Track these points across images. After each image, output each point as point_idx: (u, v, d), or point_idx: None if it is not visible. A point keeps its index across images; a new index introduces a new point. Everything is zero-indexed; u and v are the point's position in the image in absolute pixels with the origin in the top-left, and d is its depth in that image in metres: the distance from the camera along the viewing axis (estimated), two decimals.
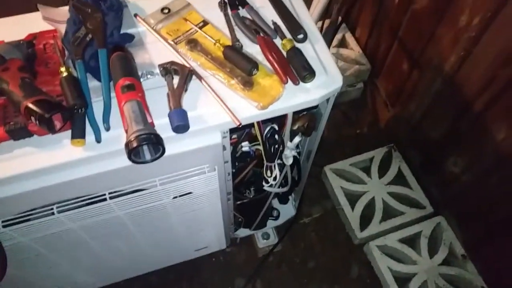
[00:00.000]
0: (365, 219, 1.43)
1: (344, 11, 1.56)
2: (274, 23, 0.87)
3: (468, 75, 1.16)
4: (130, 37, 0.83)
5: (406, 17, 1.37)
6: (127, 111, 0.67)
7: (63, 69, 0.73)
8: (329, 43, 1.69)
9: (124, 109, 0.68)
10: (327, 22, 1.66)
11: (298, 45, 0.84)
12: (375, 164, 1.53)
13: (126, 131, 0.67)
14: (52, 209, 0.75)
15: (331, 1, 1.40)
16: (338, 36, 1.74)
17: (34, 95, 0.67)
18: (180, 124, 0.69)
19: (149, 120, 0.68)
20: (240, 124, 0.74)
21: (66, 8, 0.84)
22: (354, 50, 1.72)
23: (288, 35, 0.85)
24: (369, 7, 1.58)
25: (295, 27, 0.86)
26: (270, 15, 0.89)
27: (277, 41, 0.84)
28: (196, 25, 0.86)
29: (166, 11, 0.88)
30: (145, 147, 0.67)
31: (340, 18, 1.57)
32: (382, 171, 1.52)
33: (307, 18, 0.89)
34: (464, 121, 1.23)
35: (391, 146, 1.57)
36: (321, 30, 1.66)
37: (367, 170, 1.53)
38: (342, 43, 1.76)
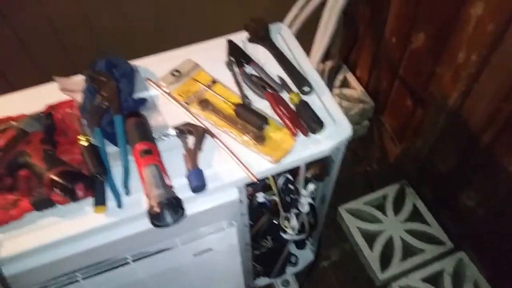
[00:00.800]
0: (385, 259, 1.41)
1: (344, 53, 1.62)
2: (280, 78, 0.91)
3: (472, 110, 1.18)
4: (143, 101, 0.87)
5: (404, 56, 1.41)
6: (146, 176, 0.69)
7: (82, 138, 0.76)
8: (331, 85, 1.74)
9: (143, 174, 0.70)
10: (328, 63, 1.72)
11: (304, 97, 0.87)
12: (389, 201, 1.53)
13: (147, 195, 0.69)
14: (76, 276, 0.75)
15: (331, 44, 1.46)
16: (340, 77, 1.79)
17: (57, 166, 0.70)
18: (199, 185, 0.71)
19: (168, 183, 0.70)
20: (257, 180, 0.75)
21: (81, 77, 0.88)
22: (356, 89, 1.76)
23: (295, 89, 0.89)
24: (368, 47, 1.64)
25: (301, 80, 0.89)
26: (275, 70, 0.93)
27: (284, 95, 0.88)
28: (205, 85, 0.90)
29: (176, 73, 0.92)
30: (166, 211, 0.68)
31: (340, 60, 1.63)
32: (397, 208, 1.51)
33: (311, 70, 0.93)
34: (473, 155, 1.23)
35: (403, 182, 1.57)
36: (322, 72, 1.72)
37: (381, 208, 1.52)
38: (344, 83, 1.81)
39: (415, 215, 1.50)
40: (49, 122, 0.81)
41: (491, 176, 1.20)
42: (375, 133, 1.77)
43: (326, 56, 1.54)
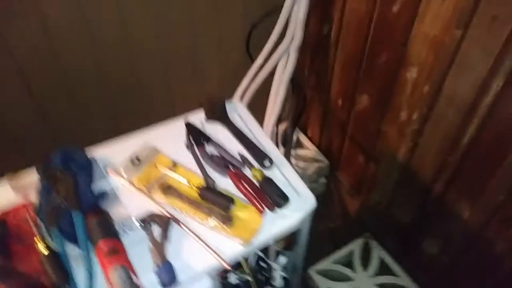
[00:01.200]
0: None
1: (295, 115, 1.68)
2: (241, 155, 0.93)
3: (421, 162, 1.26)
4: (104, 195, 0.84)
5: (351, 117, 1.49)
6: (114, 280, 0.66)
7: (39, 242, 0.71)
8: (290, 145, 1.79)
9: (110, 277, 0.66)
10: (281, 126, 1.77)
11: (266, 171, 0.89)
12: (356, 257, 1.54)
13: None
14: None
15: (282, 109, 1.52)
16: (293, 138, 1.85)
17: (11, 282, 0.64)
18: (169, 280, 0.68)
19: (137, 283, 0.67)
20: (230, 267, 0.74)
21: (35, 174, 0.85)
22: (310, 149, 1.82)
23: (256, 164, 0.91)
24: (316, 110, 1.72)
25: (261, 156, 0.91)
26: (235, 147, 0.95)
27: (247, 171, 0.89)
28: (166, 169, 0.89)
29: (135, 160, 0.91)
30: None
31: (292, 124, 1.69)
32: (365, 262, 1.52)
33: (269, 145, 0.96)
34: (429, 204, 1.29)
35: (367, 235, 1.60)
36: (276, 134, 1.77)
37: (350, 265, 1.53)
38: (298, 144, 1.86)
39: (383, 268, 1.52)
40: (2, 232, 0.75)
41: (448, 223, 1.26)
42: (333, 190, 1.82)
43: (278, 119, 1.60)
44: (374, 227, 1.61)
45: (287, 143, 1.63)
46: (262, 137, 0.98)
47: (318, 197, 1.86)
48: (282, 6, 1.24)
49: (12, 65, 1.06)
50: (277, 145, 1.65)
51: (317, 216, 1.77)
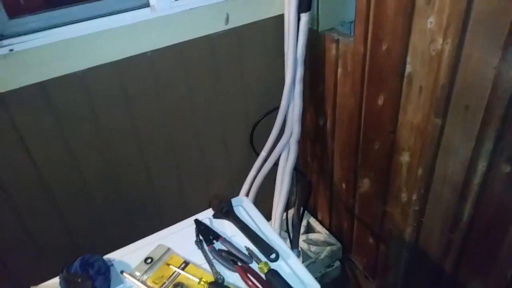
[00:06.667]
0: None
1: (303, 200, 1.74)
2: (248, 249, 0.98)
3: (428, 241, 1.28)
4: None
5: (356, 199, 1.55)
6: None
7: None
8: (298, 230, 1.82)
9: None
10: (290, 212, 1.82)
11: (273, 264, 0.93)
12: None
13: None
14: None
15: (289, 197, 1.58)
16: (304, 223, 1.89)
17: None
18: None
19: None
20: None
21: (57, 281, 0.91)
22: (321, 232, 1.84)
23: (262, 258, 0.95)
24: (323, 194, 1.78)
25: (267, 249, 0.97)
26: (242, 241, 1.00)
27: (254, 265, 0.93)
28: (178, 268, 0.95)
29: (149, 260, 0.97)
30: None
31: (301, 208, 1.74)
32: None
33: (275, 237, 1.01)
34: (443, 284, 1.29)
35: None
36: (286, 220, 1.81)
37: None
38: (309, 229, 1.89)
39: None
40: None
41: None
42: (348, 273, 1.81)
43: (287, 206, 1.66)
44: None
45: (294, 230, 1.67)
46: (268, 231, 1.03)
47: (333, 281, 1.86)
48: (279, 107, 1.37)
49: (34, 174, 1.17)
50: (288, 233, 1.69)
51: None
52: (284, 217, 1.80)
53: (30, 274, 1.16)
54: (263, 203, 1.37)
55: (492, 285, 1.12)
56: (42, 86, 1.08)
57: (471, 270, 1.17)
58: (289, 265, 0.94)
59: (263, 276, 0.90)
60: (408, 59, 1.07)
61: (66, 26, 1.09)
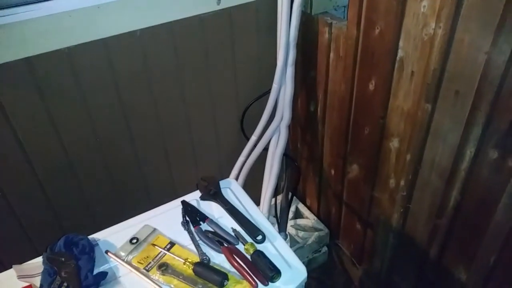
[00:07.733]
0: None
1: (292, 186, 1.74)
2: (234, 230, 0.97)
3: (414, 227, 1.29)
4: (103, 276, 0.88)
5: (344, 185, 1.55)
6: None
7: None
8: (286, 216, 1.82)
9: None
10: (278, 197, 1.82)
11: (259, 246, 0.93)
12: None
13: None
14: None
15: (278, 182, 1.58)
16: (292, 209, 1.89)
17: None
18: None
19: None
20: None
21: (40, 260, 0.90)
22: (309, 218, 1.85)
23: (249, 239, 0.95)
24: (312, 180, 1.78)
25: (253, 231, 0.96)
26: (229, 223, 1.00)
27: (240, 246, 0.93)
28: (164, 248, 0.94)
29: (134, 241, 0.96)
30: None
31: (290, 193, 1.74)
32: None
33: (262, 219, 1.01)
34: (428, 270, 1.30)
35: None
36: (275, 206, 1.82)
37: None
38: (297, 214, 1.90)
39: None
40: None
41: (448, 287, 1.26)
42: (335, 258, 1.82)
43: (275, 191, 1.66)
44: None
45: (282, 215, 1.67)
46: (256, 213, 1.03)
47: (321, 266, 1.88)
48: (270, 90, 1.36)
49: (18, 151, 1.15)
50: (277, 218, 1.69)
51: (321, 286, 1.76)
52: (273, 202, 1.81)
53: (12, 254, 1.14)
54: (252, 188, 1.36)
55: (475, 270, 1.13)
56: (28, 62, 1.05)
57: (456, 255, 1.18)
58: (276, 247, 0.94)
59: (249, 257, 0.90)
60: (401, 43, 1.07)
61: (53, 0, 1.06)
